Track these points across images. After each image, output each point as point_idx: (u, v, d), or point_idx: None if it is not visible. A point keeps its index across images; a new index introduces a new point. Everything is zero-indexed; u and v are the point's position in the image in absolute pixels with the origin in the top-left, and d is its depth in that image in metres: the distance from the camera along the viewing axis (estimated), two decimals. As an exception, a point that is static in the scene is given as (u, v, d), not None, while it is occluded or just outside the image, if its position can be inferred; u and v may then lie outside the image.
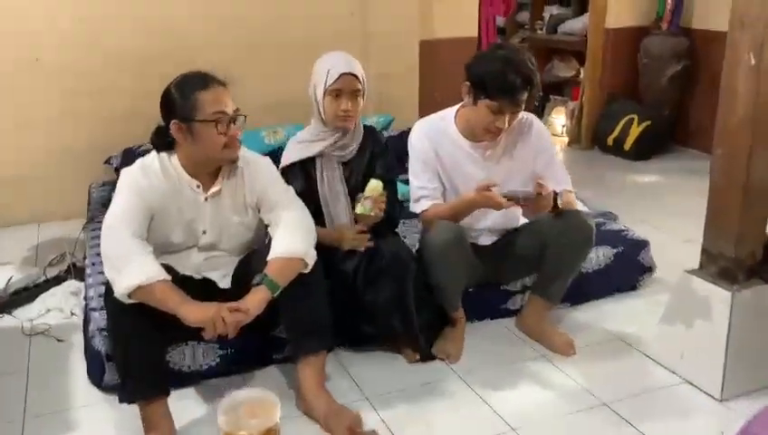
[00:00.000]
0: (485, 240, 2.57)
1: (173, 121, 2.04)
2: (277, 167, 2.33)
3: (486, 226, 2.53)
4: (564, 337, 2.52)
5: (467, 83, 2.32)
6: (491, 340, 2.58)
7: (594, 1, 5.03)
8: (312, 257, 2.10)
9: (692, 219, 3.76)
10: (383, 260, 2.30)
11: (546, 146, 2.50)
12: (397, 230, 2.60)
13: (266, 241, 2.27)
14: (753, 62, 2.01)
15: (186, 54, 3.71)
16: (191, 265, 2.20)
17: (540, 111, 6.04)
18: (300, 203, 2.23)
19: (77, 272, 2.96)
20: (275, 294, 2.02)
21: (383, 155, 2.50)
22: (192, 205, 2.13)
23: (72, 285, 2.90)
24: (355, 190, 2.41)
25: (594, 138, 5.21)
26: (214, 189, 2.14)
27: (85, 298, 2.61)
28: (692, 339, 2.29)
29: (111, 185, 3.59)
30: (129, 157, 3.48)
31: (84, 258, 2.98)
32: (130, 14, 3.65)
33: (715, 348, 2.20)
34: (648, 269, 2.95)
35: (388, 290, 2.29)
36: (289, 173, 2.41)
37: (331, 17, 4.02)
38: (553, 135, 5.52)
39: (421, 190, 2.45)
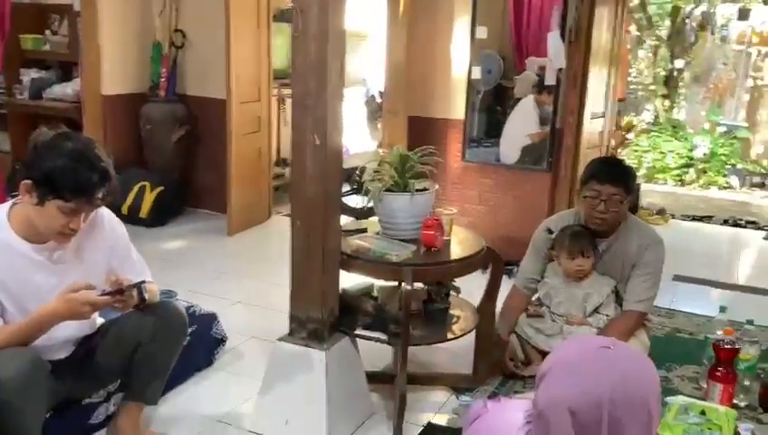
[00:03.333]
0: (61, 353, 2.20)
1: None
2: None
3: (66, 336, 2.16)
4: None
5: (29, 181, 1.95)
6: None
7: (85, 67, 4.80)
8: None
9: (229, 279, 3.99)
10: None
11: (121, 239, 2.27)
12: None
13: None
14: (317, 142, 2.23)
15: None
16: None
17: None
18: None
19: None
20: None
21: None
22: None
23: None
24: None
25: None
26: None
27: None
28: (294, 403, 2.39)
29: None
30: None
31: None
32: None
33: (316, 406, 2.34)
34: (222, 341, 2.97)
35: None
36: None
37: None
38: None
39: None
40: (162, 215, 4.89)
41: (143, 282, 2.09)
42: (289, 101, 5.77)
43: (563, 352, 1.29)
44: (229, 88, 4.54)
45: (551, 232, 2.86)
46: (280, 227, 5.16)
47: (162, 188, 4.85)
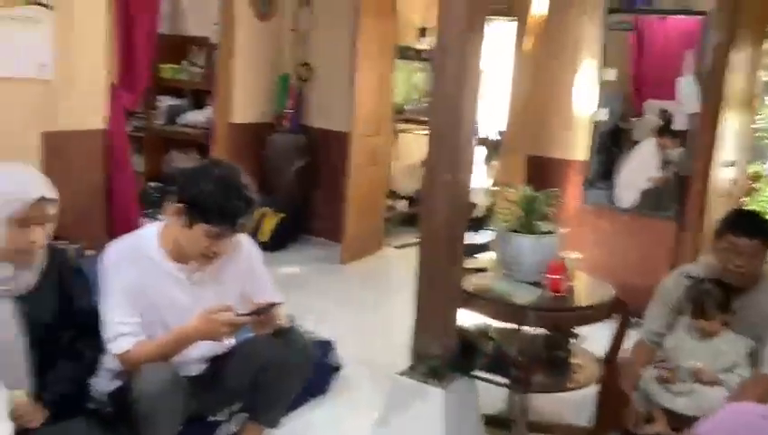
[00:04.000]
0: (193, 370, 2.29)
1: None
2: None
3: (199, 354, 2.26)
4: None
5: (179, 205, 2.07)
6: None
7: (218, 96, 5.08)
8: None
9: (342, 307, 4.05)
10: None
11: (256, 264, 2.36)
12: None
13: None
14: (449, 178, 2.24)
15: None
16: None
17: (161, 204, 5.79)
18: None
19: None
20: None
21: (78, 279, 2.06)
22: None
23: None
24: (40, 330, 1.94)
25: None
26: None
27: None
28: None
29: None
30: None
31: None
32: None
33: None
34: (336, 369, 3.01)
35: None
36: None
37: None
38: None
39: (120, 327, 2.06)
40: (281, 240, 5.06)
41: (280, 303, 2.16)
42: (401, 136, 5.89)
43: (722, 420, 1.22)
44: (353, 121, 4.66)
45: (689, 278, 2.74)
46: (390, 259, 5.23)
47: (282, 214, 5.03)
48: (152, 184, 5.79)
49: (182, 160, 5.89)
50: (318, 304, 4.00)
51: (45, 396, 1.94)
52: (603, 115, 4.17)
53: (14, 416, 1.86)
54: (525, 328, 2.54)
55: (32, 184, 1.89)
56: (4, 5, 3.39)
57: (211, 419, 2.43)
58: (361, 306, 4.10)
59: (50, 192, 1.91)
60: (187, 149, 5.89)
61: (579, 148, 4.30)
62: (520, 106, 4.43)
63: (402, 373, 2.43)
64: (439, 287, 2.32)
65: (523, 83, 4.37)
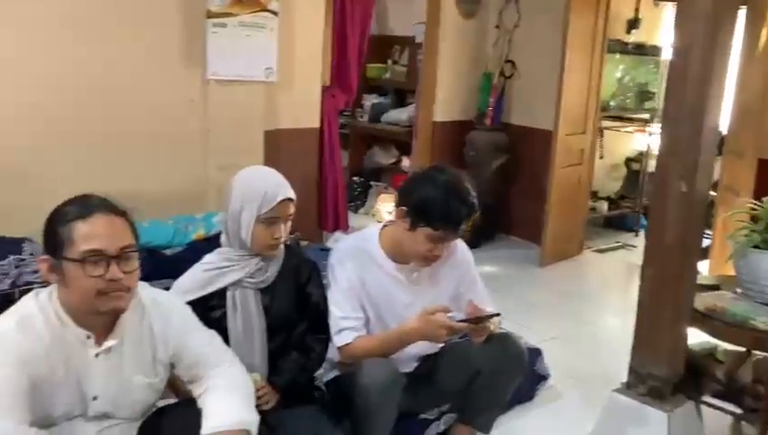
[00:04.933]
0: (406, 367, 2.35)
1: (41, 257, 1.58)
2: None
3: (413, 352, 2.31)
4: (492, 467, 2.36)
5: (404, 208, 2.12)
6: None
7: (421, 95, 5.16)
8: (255, 425, 1.71)
9: (542, 312, 3.95)
10: None
11: (470, 267, 2.38)
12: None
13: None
14: (683, 189, 2.08)
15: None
16: None
17: (363, 198, 6.03)
18: (230, 354, 1.84)
19: None
20: None
21: (314, 276, 2.19)
22: (79, 362, 1.63)
23: None
24: (277, 319, 2.10)
25: (426, 227, 5.27)
26: (109, 343, 1.65)
27: None
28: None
29: None
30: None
31: None
32: None
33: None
34: (544, 378, 2.94)
35: None
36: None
37: (169, 104, 3.61)
38: (379, 222, 5.51)
39: (344, 321, 2.17)
40: (477, 238, 5.02)
41: (498, 314, 2.14)
42: (607, 133, 5.61)
43: None
44: (557, 119, 4.52)
45: None
46: (591, 264, 5.02)
47: (479, 212, 4.99)
48: (355, 178, 6.05)
49: (382, 157, 6.09)
50: (515, 306, 3.92)
51: (277, 381, 2.08)
52: None
53: None
54: (757, 352, 2.31)
55: (279, 185, 2.03)
56: (240, 12, 3.68)
57: (422, 416, 2.48)
58: (563, 313, 3.97)
59: (291, 192, 2.04)
60: (388, 145, 6.07)
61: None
62: (750, 104, 4.02)
63: (618, 391, 2.30)
64: (667, 304, 2.16)
65: (752, 81, 3.96)
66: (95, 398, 1.67)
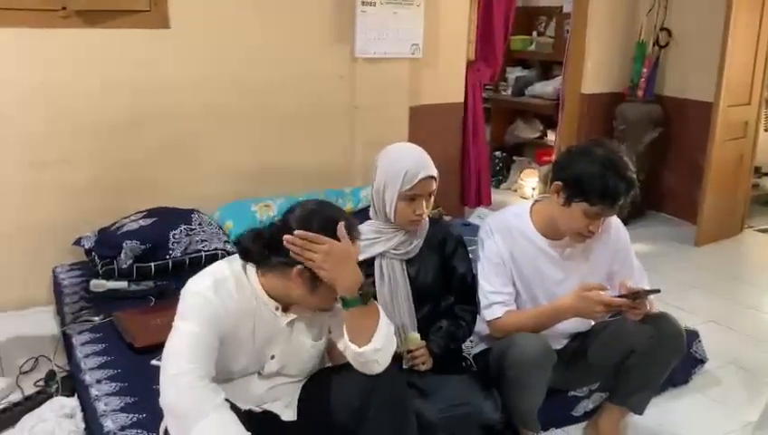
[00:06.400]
0: (556, 344, 2.32)
1: (299, 267, 1.68)
2: None
3: (564, 329, 2.28)
4: (645, 451, 2.30)
5: (559, 183, 2.09)
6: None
7: (570, 67, 5.00)
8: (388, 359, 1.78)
9: (698, 294, 3.75)
10: None
11: (625, 245, 2.32)
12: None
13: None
14: None
15: (163, 122, 3.38)
16: (252, 396, 1.83)
17: (505, 173, 5.97)
18: None
19: (64, 384, 2.47)
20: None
21: (460, 250, 2.24)
22: (268, 328, 1.78)
23: (60, 403, 2.38)
24: (423, 289, 2.16)
25: (571, 203, 5.14)
26: (292, 315, 1.80)
27: (88, 425, 2.16)
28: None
29: (82, 268, 3.15)
30: (107, 239, 3.05)
31: (68, 367, 2.52)
32: (97, 77, 3.20)
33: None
34: (701, 362, 2.81)
35: None
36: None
37: (320, 82, 3.76)
38: (522, 198, 5.44)
39: (494, 296, 2.18)
40: (627, 214, 4.84)
41: (658, 291, 2.07)
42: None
43: None
44: (719, 89, 4.23)
45: None
46: (753, 244, 4.69)
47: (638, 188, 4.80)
48: (497, 153, 6.00)
49: (525, 131, 5.99)
50: (669, 287, 3.72)
51: (432, 346, 2.15)
52: None
53: (407, 356, 2.10)
54: None
55: (420, 163, 2.08)
56: (388, -9, 3.75)
57: (571, 393, 2.46)
58: (722, 296, 3.74)
59: (434, 170, 2.08)
60: (532, 119, 5.95)
61: None
62: None
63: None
64: None
65: None
66: (273, 356, 1.81)
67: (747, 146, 4.61)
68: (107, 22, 3.15)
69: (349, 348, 1.76)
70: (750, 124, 4.55)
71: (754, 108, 4.54)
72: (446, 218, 3.97)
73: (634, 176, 2.05)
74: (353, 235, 1.73)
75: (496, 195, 5.13)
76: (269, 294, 1.75)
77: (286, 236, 1.66)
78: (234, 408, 1.68)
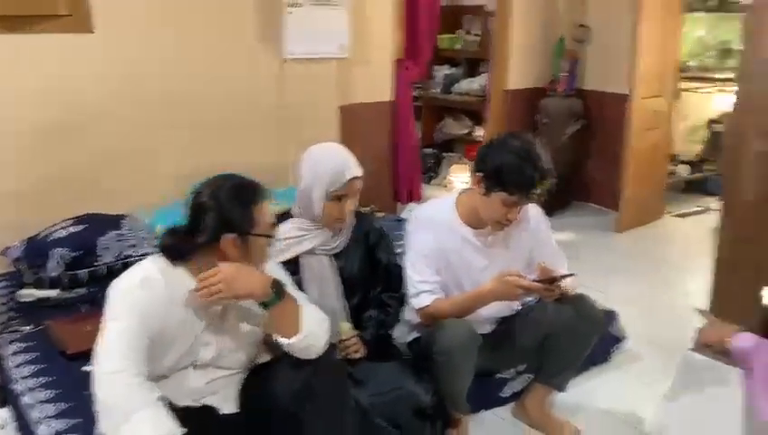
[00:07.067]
0: (483, 329, 2.44)
1: (228, 236, 1.75)
2: None
3: (488, 314, 2.40)
4: (570, 426, 2.44)
5: (479, 173, 2.20)
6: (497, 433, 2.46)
7: (495, 64, 5.16)
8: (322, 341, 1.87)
9: (619, 278, 3.94)
10: None
11: (545, 232, 2.44)
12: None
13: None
14: (761, 148, 2.07)
15: (91, 128, 3.34)
16: (189, 390, 1.86)
17: (436, 169, 6.10)
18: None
19: (-4, 395, 2.43)
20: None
21: (383, 241, 2.36)
22: (200, 316, 1.82)
23: (-9, 414, 2.35)
24: (351, 281, 2.27)
25: (499, 195, 5.30)
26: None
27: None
28: (703, 416, 2.28)
29: (10, 278, 3.08)
30: (36, 248, 3.00)
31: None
32: (20, 83, 3.13)
33: (733, 423, 2.20)
34: (618, 340, 2.97)
35: None
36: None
37: (249, 84, 3.79)
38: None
39: (421, 285, 2.28)
40: (550, 206, 5.01)
41: (572, 275, 2.20)
42: (684, 95, 5.45)
43: None
44: (633, 83, 4.45)
45: None
46: (671, 228, 4.94)
47: (554, 177, 4.98)
48: (427, 150, 6.12)
49: (454, 127, 6.13)
50: (593, 272, 3.92)
51: (363, 335, 2.24)
52: None
53: (341, 346, 2.17)
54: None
55: (348, 163, 2.17)
56: (315, -9, 3.80)
57: (498, 376, 2.58)
58: (640, 278, 3.95)
59: (359, 170, 2.17)
60: (460, 116, 6.10)
61: None
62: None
63: (694, 350, 2.32)
64: (744, 266, 2.17)
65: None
66: (207, 344, 1.85)
67: (662, 135, 4.86)
68: (29, 27, 3.10)
69: (282, 343, 1.82)
70: (663, 115, 4.80)
71: (666, 99, 4.79)
72: (379, 215, 4.06)
73: (548, 165, 2.17)
74: (260, 197, 1.82)
75: (428, 191, 5.24)
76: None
77: (191, 291, 1.76)
78: (171, 405, 1.72)
